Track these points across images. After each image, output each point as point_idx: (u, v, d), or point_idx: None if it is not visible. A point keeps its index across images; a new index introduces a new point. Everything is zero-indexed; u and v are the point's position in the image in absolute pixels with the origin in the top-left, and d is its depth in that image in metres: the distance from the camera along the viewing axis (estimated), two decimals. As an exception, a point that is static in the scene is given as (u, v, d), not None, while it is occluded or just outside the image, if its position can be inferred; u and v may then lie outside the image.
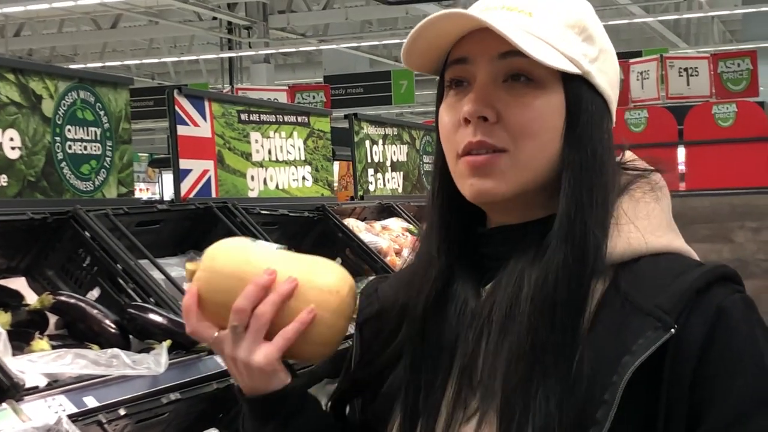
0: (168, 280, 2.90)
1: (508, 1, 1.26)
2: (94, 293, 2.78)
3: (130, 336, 2.59)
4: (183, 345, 2.56)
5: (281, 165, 4.20)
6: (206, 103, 3.73)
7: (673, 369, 1.15)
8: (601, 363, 1.14)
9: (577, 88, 1.24)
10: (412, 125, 5.69)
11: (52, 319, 2.61)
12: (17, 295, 2.63)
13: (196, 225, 3.43)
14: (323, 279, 1.30)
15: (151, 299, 2.72)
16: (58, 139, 3.01)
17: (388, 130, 5.32)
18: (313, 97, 15.41)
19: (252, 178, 3.98)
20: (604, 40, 1.30)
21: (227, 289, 1.25)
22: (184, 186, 3.58)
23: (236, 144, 3.88)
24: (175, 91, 3.58)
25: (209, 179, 3.71)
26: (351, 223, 4.24)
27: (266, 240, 1.40)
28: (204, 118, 3.70)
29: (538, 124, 1.22)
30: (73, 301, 2.58)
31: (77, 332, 2.57)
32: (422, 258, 1.34)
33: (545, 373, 1.15)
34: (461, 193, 1.27)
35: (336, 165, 7.28)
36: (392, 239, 4.32)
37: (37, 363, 2.19)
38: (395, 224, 4.56)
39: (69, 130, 3.05)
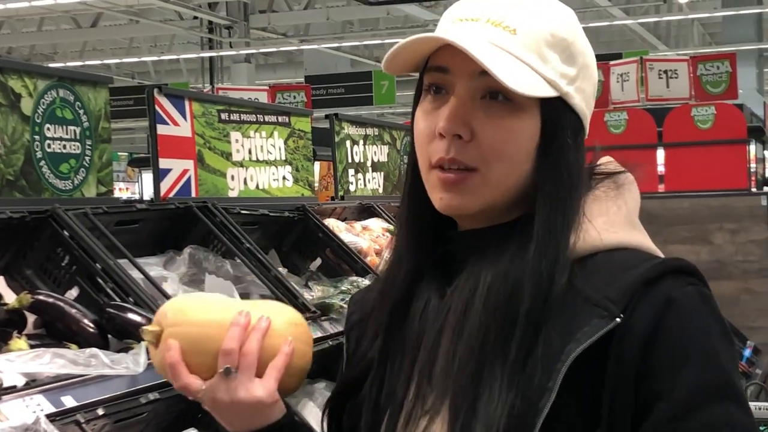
0: (147, 279, 2.89)
1: (494, 14, 1.25)
2: (73, 292, 2.76)
3: (109, 335, 2.58)
4: (162, 345, 2.55)
5: (261, 165, 4.19)
6: (186, 103, 3.72)
7: (618, 358, 1.16)
8: (551, 355, 1.16)
9: (554, 110, 1.25)
10: (393, 126, 5.69)
11: (31, 318, 2.60)
12: (-5, 294, 2.62)
13: (175, 225, 3.42)
14: (285, 315, 1.36)
15: (130, 299, 2.71)
16: (37, 137, 2.99)
17: (369, 131, 5.32)
18: (294, 97, 15.37)
19: (232, 177, 3.97)
20: (586, 54, 1.30)
21: (208, 338, 1.28)
22: (164, 185, 3.57)
23: (216, 144, 3.87)
24: (155, 91, 3.57)
25: (189, 179, 3.70)
26: (331, 223, 4.24)
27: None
28: (184, 117, 3.69)
29: (511, 146, 1.23)
30: (51, 300, 2.57)
31: (56, 332, 2.56)
32: (395, 258, 1.36)
33: (492, 373, 1.17)
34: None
35: (316, 165, 7.28)
36: (373, 239, 4.32)
37: (15, 362, 2.18)
38: (376, 224, 4.56)
39: (48, 129, 3.04)
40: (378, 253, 4.21)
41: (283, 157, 4.36)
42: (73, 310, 2.56)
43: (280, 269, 3.59)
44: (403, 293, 1.33)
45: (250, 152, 4.10)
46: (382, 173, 5.44)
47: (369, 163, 5.29)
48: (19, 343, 2.36)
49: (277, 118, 4.35)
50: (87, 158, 3.20)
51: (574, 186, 1.25)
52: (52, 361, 2.21)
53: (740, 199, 6.98)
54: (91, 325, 2.54)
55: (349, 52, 21.34)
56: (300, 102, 14.64)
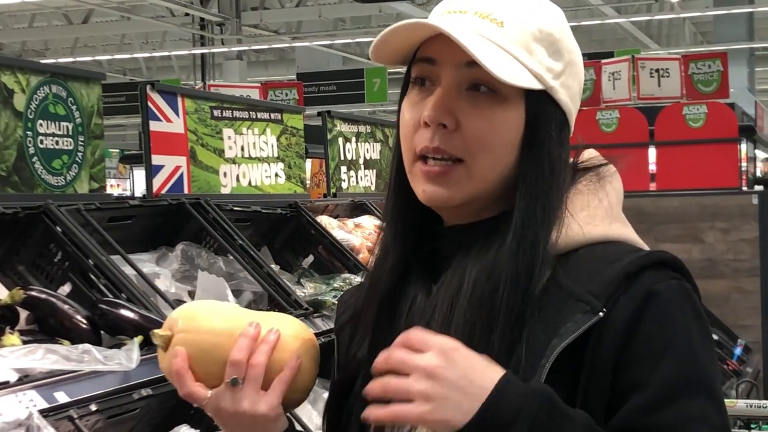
0: (140, 275, 2.89)
1: (482, 6, 1.26)
2: (66, 288, 2.76)
3: (102, 331, 2.58)
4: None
5: (254, 162, 4.19)
6: (179, 99, 3.72)
7: (596, 349, 1.16)
8: (535, 350, 1.17)
9: (539, 103, 1.25)
10: (386, 123, 5.69)
11: (23, 314, 2.59)
12: (-13, 290, 2.61)
13: (168, 221, 3.42)
14: (293, 328, 1.35)
15: (123, 295, 2.71)
16: (29, 133, 2.99)
17: (362, 128, 5.32)
18: (286, 95, 15.36)
19: (225, 174, 3.97)
20: (572, 52, 1.31)
21: (217, 347, 1.27)
22: (157, 182, 3.57)
23: (209, 140, 3.87)
24: (148, 87, 3.57)
25: (182, 175, 3.70)
26: (324, 220, 4.25)
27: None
28: (177, 114, 3.69)
29: (495, 137, 1.23)
30: (44, 296, 2.57)
31: (48, 327, 2.56)
32: (381, 254, 1.36)
33: None
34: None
35: (308, 163, 7.28)
36: (365, 237, 4.32)
37: (8, 358, 2.18)
38: (368, 222, 4.56)
39: (41, 125, 3.04)
40: (370, 251, 4.21)
41: (276, 154, 4.36)
42: (66, 306, 2.55)
43: (273, 266, 3.59)
44: (389, 288, 1.33)
45: (242, 149, 4.10)
46: (375, 171, 5.44)
47: (361, 161, 5.30)
48: (11, 338, 2.35)
49: (269, 115, 4.35)
50: (79, 154, 3.20)
51: (556, 180, 1.25)
52: (44, 357, 2.21)
53: (731, 198, 6.99)
54: (84, 321, 2.54)
55: (341, 49, 21.32)
56: (292, 99, 14.64)
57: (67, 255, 2.80)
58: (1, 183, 2.87)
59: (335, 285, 3.62)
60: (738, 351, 5.86)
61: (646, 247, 1.27)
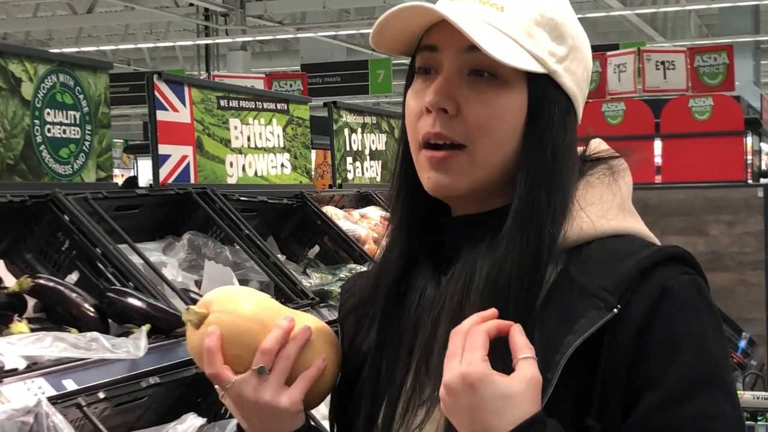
0: (147, 264, 2.89)
1: None
2: (73, 277, 2.76)
3: (109, 320, 2.58)
4: (162, 329, 2.56)
5: (260, 152, 4.19)
6: (186, 89, 3.72)
7: (612, 347, 1.16)
8: (548, 345, 1.16)
9: (541, 87, 1.24)
10: (391, 114, 5.69)
11: (31, 302, 2.60)
12: (-5, 278, 2.62)
13: (174, 210, 3.42)
14: (323, 331, 1.35)
15: (130, 283, 2.71)
16: (37, 122, 2.99)
17: (367, 119, 5.32)
18: (290, 86, 15.37)
19: (231, 164, 3.97)
20: (577, 38, 1.30)
21: (250, 333, 1.27)
22: (163, 171, 3.58)
23: (215, 130, 3.88)
24: (155, 76, 3.57)
25: (188, 165, 3.70)
26: (330, 210, 4.25)
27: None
28: (183, 103, 3.69)
29: (496, 122, 1.23)
30: (52, 284, 2.57)
31: (56, 316, 2.56)
32: (388, 245, 1.36)
33: (492, 363, 1.15)
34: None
35: (312, 153, 7.28)
36: (371, 227, 4.33)
37: (16, 345, 2.18)
38: (374, 213, 4.56)
39: (48, 114, 3.04)
40: (376, 241, 4.22)
41: (282, 145, 4.37)
42: (74, 295, 2.56)
43: (279, 256, 3.59)
44: (396, 278, 1.32)
45: (248, 139, 4.10)
46: (380, 162, 5.44)
47: (367, 152, 5.30)
48: (19, 326, 2.36)
49: (275, 106, 4.35)
50: (87, 143, 3.20)
51: (559, 165, 1.24)
52: (53, 345, 2.22)
53: (736, 191, 6.99)
54: (92, 309, 2.54)
55: (346, 40, 21.30)
56: (296, 90, 14.65)
57: (75, 243, 2.80)
58: (8, 171, 2.87)
59: (341, 275, 3.62)
60: (742, 344, 5.85)
61: (657, 241, 1.27)
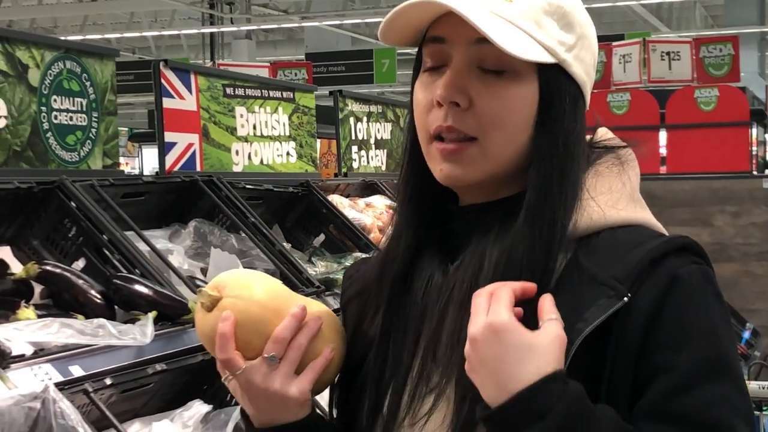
0: (153, 251, 2.89)
1: None
2: (80, 263, 2.77)
3: (116, 306, 2.59)
4: (168, 316, 2.57)
5: (266, 140, 4.19)
6: (192, 77, 3.72)
7: (621, 335, 1.16)
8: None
9: (552, 77, 1.24)
10: (397, 103, 5.68)
11: (37, 288, 2.60)
12: (2, 264, 2.61)
13: (181, 198, 3.42)
14: (332, 322, 1.35)
15: (137, 270, 2.72)
16: (44, 109, 2.99)
17: (373, 108, 5.32)
18: (295, 75, 15.34)
19: (237, 152, 3.97)
20: (584, 25, 1.29)
21: (263, 320, 1.26)
22: (169, 159, 3.58)
23: (221, 118, 3.88)
24: (161, 64, 3.57)
25: (194, 153, 3.70)
26: (335, 199, 4.25)
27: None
28: (190, 91, 3.69)
29: (508, 114, 1.23)
30: (58, 270, 2.58)
31: (62, 302, 2.56)
32: (395, 233, 1.36)
33: None
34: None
35: (317, 143, 7.28)
36: (376, 216, 4.33)
37: (24, 332, 2.19)
38: (379, 201, 4.57)
39: (55, 101, 3.04)
40: (381, 230, 4.22)
41: (287, 133, 4.37)
42: (80, 281, 2.56)
43: (284, 244, 3.59)
44: (403, 268, 1.33)
45: (254, 127, 4.10)
46: (385, 151, 5.44)
47: (372, 141, 5.30)
48: (26, 312, 2.36)
49: (281, 94, 4.35)
50: (93, 130, 3.20)
51: (569, 155, 1.24)
52: (59, 331, 2.22)
53: (741, 182, 6.98)
54: (98, 296, 2.55)
55: (350, 29, 21.27)
56: (301, 79, 14.63)
57: (82, 230, 2.81)
58: (15, 158, 2.88)
59: (346, 264, 3.63)
60: (746, 335, 5.85)
61: (665, 232, 1.27)
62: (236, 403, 2.65)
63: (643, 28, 20.83)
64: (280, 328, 1.26)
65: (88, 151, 3.18)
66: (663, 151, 7.81)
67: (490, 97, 1.22)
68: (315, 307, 1.34)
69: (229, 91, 3.94)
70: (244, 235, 3.35)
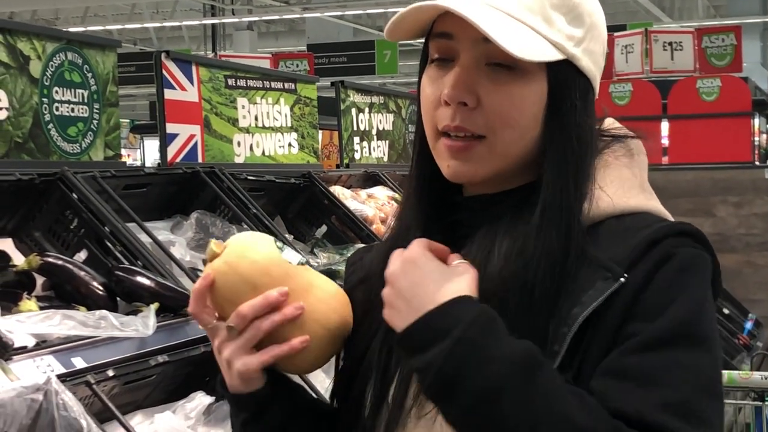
0: (155, 243, 2.89)
1: None
2: (81, 255, 2.77)
3: (118, 298, 2.59)
4: (171, 308, 2.57)
5: (268, 131, 4.19)
6: (194, 68, 3.71)
7: (609, 313, 1.14)
8: (557, 318, 1.16)
9: (562, 73, 1.23)
10: (399, 94, 5.68)
11: (39, 280, 2.61)
12: (4, 256, 2.62)
13: (182, 189, 3.42)
14: (327, 316, 1.33)
15: (139, 262, 2.72)
16: (45, 100, 2.99)
17: (375, 99, 5.31)
18: (297, 66, 15.35)
19: (238, 143, 3.97)
20: (593, 14, 1.28)
21: (238, 291, 1.27)
22: (171, 150, 3.58)
23: (223, 109, 3.87)
24: (163, 55, 3.57)
25: (196, 144, 3.70)
26: (337, 190, 4.25)
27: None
28: (191, 82, 3.68)
29: (518, 113, 1.21)
30: (60, 262, 2.58)
31: (64, 294, 2.57)
32: (401, 224, 1.35)
33: None
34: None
35: (319, 134, 7.28)
36: (378, 207, 4.32)
37: (26, 323, 2.19)
38: (381, 192, 4.56)
39: (56, 92, 3.04)
40: (383, 221, 4.21)
41: (289, 124, 4.36)
42: (82, 273, 2.56)
43: (286, 236, 3.59)
44: None
45: (256, 118, 4.10)
46: (387, 141, 5.43)
47: (374, 132, 5.29)
48: (29, 304, 2.36)
49: (283, 85, 4.34)
50: (95, 122, 3.20)
51: (584, 150, 1.23)
52: (62, 323, 2.22)
53: (744, 172, 6.97)
54: (100, 287, 2.55)
55: (352, 20, 21.23)
56: (303, 70, 14.63)
57: (83, 222, 2.81)
58: (17, 149, 2.87)
59: (348, 255, 3.62)
60: (749, 325, 5.86)
61: (672, 219, 1.26)
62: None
63: (646, 19, 20.78)
64: (245, 305, 1.25)
65: (90, 142, 3.18)
66: (665, 141, 7.79)
67: (499, 96, 1.21)
68: (319, 290, 1.33)
69: (230, 82, 3.93)
70: (245, 226, 3.35)
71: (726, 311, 5.68)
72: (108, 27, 22.76)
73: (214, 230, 3.28)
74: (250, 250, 1.31)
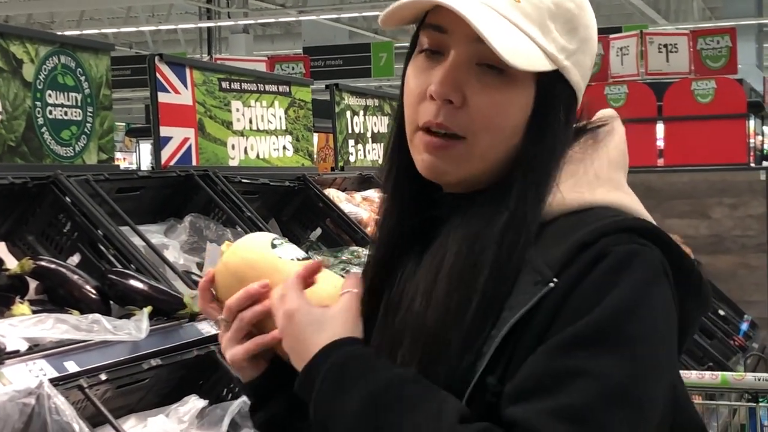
0: (149, 246, 2.89)
1: None
2: (75, 259, 2.77)
3: (111, 302, 2.58)
4: (164, 311, 2.56)
5: (262, 134, 4.18)
6: (187, 71, 3.71)
7: (541, 317, 1.11)
8: (492, 320, 1.14)
9: (550, 84, 1.21)
10: (394, 97, 5.67)
11: (32, 284, 2.60)
12: (-3, 260, 2.62)
13: (176, 192, 3.42)
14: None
15: (132, 266, 2.71)
16: (38, 104, 2.99)
17: (369, 101, 5.31)
18: (293, 69, 15.33)
19: (233, 147, 3.97)
20: (588, 27, 1.26)
21: (229, 286, 1.37)
22: (165, 153, 3.57)
23: (217, 112, 3.87)
24: (157, 58, 3.57)
25: (190, 147, 3.69)
26: (332, 193, 4.24)
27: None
28: (185, 85, 3.68)
29: (501, 119, 1.20)
30: (53, 266, 2.57)
31: (57, 297, 2.56)
32: (382, 219, 1.35)
33: (449, 340, 1.16)
34: None
35: (314, 137, 7.27)
36: (373, 210, 4.32)
37: (18, 327, 2.18)
38: (376, 195, 4.56)
39: (50, 95, 3.03)
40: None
41: (284, 127, 4.36)
42: (75, 276, 2.56)
43: (281, 238, 3.58)
44: (384, 253, 1.32)
45: (250, 121, 4.10)
46: (382, 144, 5.43)
47: (369, 134, 5.29)
48: (21, 308, 2.36)
49: (277, 88, 4.34)
50: (88, 125, 3.20)
51: (556, 161, 1.21)
52: (54, 327, 2.22)
53: (739, 174, 6.98)
54: (93, 291, 2.54)
55: (348, 23, 21.23)
56: (298, 73, 14.61)
57: (76, 225, 2.80)
58: (10, 153, 2.87)
59: (343, 258, 3.62)
60: (744, 326, 5.86)
61: (639, 212, 1.21)
62: (233, 398, 2.65)
63: (641, 21, 20.79)
64: (231, 299, 1.33)
65: (83, 146, 3.17)
66: (660, 143, 7.79)
67: (486, 99, 1.19)
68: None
69: (224, 85, 3.93)
70: (240, 229, 3.35)
71: (722, 312, 5.68)
72: (103, 30, 22.74)
73: (208, 233, 3.27)
74: (242, 248, 1.40)
